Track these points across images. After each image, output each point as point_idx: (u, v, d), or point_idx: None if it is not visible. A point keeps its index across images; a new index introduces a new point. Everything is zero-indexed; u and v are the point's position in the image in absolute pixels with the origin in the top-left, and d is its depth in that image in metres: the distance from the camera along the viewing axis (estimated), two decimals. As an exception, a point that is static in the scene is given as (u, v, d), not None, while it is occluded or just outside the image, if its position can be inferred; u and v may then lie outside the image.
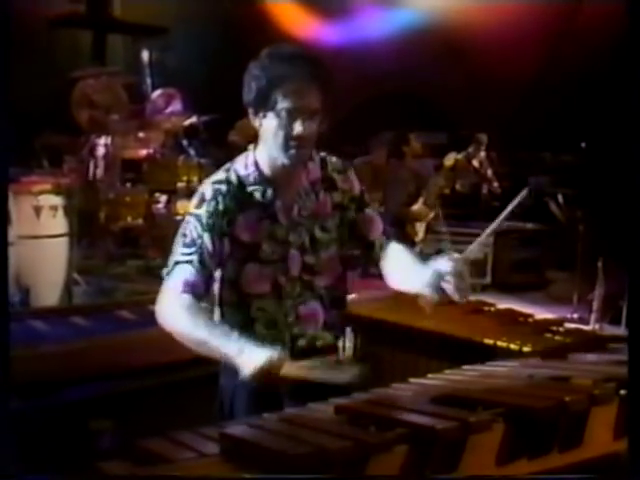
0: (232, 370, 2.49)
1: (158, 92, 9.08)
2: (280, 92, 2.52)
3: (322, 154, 2.80)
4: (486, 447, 1.95)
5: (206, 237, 2.57)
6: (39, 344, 3.44)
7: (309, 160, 2.73)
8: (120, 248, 8.24)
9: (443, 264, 2.58)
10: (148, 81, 9.47)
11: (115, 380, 3.35)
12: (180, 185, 8.29)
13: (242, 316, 2.66)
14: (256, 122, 2.63)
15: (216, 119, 8.90)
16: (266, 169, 2.67)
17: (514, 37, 11.10)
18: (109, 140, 8.17)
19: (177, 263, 2.58)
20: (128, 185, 8.38)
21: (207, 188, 2.64)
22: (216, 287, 2.69)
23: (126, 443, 1.96)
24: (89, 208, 7.66)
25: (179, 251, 2.59)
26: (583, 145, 10.00)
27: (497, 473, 1.96)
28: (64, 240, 6.01)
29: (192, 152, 8.56)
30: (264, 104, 2.56)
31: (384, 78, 11.51)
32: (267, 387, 2.41)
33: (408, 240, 6.71)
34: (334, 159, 2.83)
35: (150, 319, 3.88)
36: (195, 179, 8.27)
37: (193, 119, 8.74)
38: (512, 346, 3.14)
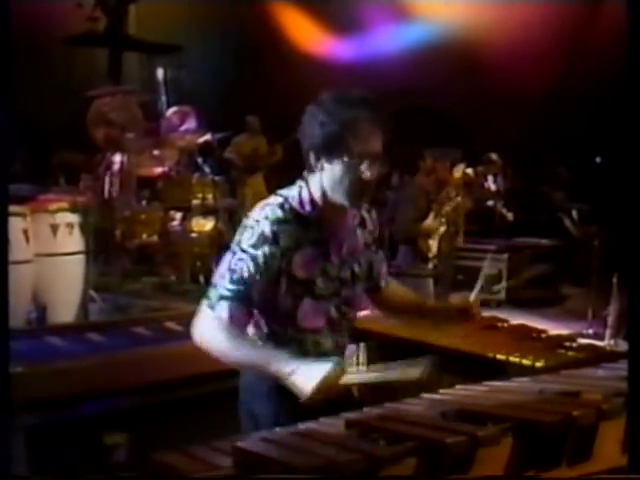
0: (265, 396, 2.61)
1: (173, 110, 9.15)
2: (351, 136, 2.51)
3: None
4: (495, 461, 1.97)
5: (259, 278, 2.53)
6: (56, 360, 3.48)
7: None
8: (135, 265, 8.30)
9: None
10: (163, 99, 9.57)
11: (130, 395, 3.38)
12: (195, 202, 8.34)
13: (295, 349, 2.63)
14: (317, 166, 2.59)
15: (230, 136, 8.95)
16: (324, 209, 2.65)
17: (529, 52, 11.13)
18: (125, 158, 8.22)
19: (222, 297, 2.53)
20: (143, 203, 8.43)
21: (266, 227, 2.56)
22: (264, 321, 2.68)
23: (140, 457, 1.99)
24: (105, 226, 7.72)
25: (225, 286, 2.53)
26: (598, 160, 10.01)
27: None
28: (80, 257, 6.06)
29: (207, 169, 8.61)
30: (332, 149, 2.53)
31: (399, 93, 11.55)
32: (330, 400, 2.37)
33: (421, 256, 6.71)
34: None
35: (165, 335, 3.94)
36: (210, 196, 8.34)
37: (207, 136, 8.79)
38: (525, 362, 3.15)
